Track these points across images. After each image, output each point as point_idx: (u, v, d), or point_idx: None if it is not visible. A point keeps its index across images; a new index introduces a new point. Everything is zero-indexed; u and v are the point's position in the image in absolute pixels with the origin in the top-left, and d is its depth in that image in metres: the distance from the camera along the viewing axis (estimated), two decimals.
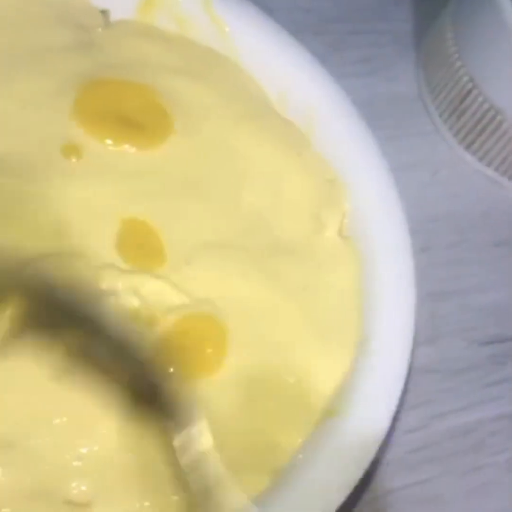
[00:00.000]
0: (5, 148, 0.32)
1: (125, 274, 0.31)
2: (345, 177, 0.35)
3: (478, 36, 0.44)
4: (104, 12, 0.37)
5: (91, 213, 0.32)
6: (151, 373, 0.28)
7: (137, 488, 0.28)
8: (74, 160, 0.33)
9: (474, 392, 0.41)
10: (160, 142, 0.34)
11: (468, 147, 0.47)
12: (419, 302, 0.42)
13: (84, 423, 0.28)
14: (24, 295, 0.28)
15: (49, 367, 0.28)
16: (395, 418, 0.37)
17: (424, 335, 0.42)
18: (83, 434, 0.28)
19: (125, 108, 0.34)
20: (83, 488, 0.28)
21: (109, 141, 0.33)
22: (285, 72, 0.36)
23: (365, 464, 0.29)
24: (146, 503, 0.28)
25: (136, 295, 0.30)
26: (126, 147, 0.33)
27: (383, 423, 0.30)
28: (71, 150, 0.33)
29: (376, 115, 0.48)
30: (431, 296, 0.43)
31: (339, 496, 0.29)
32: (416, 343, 0.41)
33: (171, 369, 0.30)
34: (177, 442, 0.28)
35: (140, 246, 0.32)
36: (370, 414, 0.30)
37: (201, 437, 0.28)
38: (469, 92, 0.45)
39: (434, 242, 0.45)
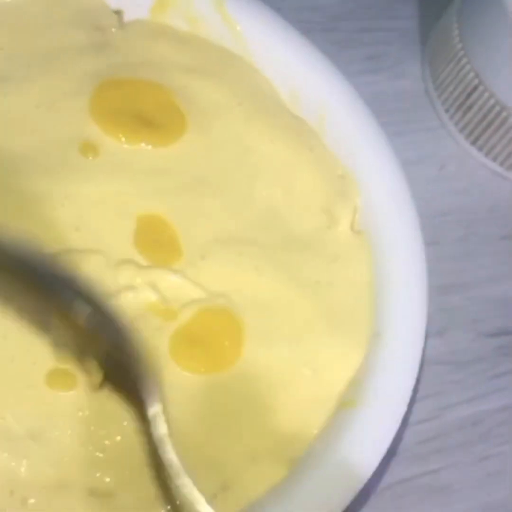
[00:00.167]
0: (23, 147, 0.33)
1: (143, 270, 0.31)
2: (356, 173, 0.35)
3: (484, 32, 0.45)
4: (118, 13, 0.37)
5: (108, 210, 0.32)
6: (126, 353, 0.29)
7: (158, 477, 0.29)
8: (91, 158, 0.33)
9: (482, 383, 0.42)
10: (175, 140, 0.34)
11: (474, 142, 0.47)
12: (429, 292, 0.43)
13: (107, 415, 0.29)
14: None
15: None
16: (410, 406, 0.38)
17: (432, 327, 0.43)
18: (106, 426, 0.29)
19: (140, 107, 0.35)
20: (108, 477, 0.28)
21: (125, 139, 0.34)
22: (296, 70, 0.37)
23: (380, 454, 0.30)
24: (167, 495, 0.29)
25: (153, 290, 0.31)
26: (142, 145, 0.34)
27: (397, 413, 0.31)
28: (88, 148, 0.33)
29: (383, 112, 0.48)
30: (439, 289, 0.44)
31: (355, 486, 0.29)
32: (426, 331, 0.42)
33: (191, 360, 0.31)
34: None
35: (157, 242, 0.32)
36: (385, 404, 0.31)
37: (157, 421, 0.28)
38: (475, 88, 0.46)
39: (442, 236, 0.46)
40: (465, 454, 0.40)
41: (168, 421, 0.28)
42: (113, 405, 0.29)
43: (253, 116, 0.36)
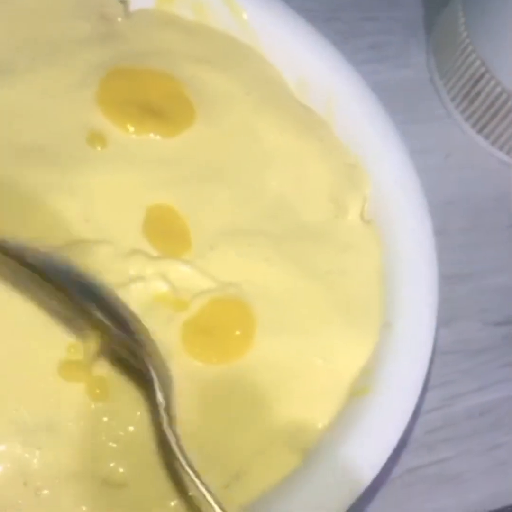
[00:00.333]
0: (31, 139, 0.33)
1: (153, 260, 0.31)
2: (365, 162, 0.35)
3: (490, 20, 0.44)
4: (123, 2, 0.37)
5: (118, 200, 0.32)
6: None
7: (170, 467, 0.29)
8: (99, 148, 0.33)
9: (491, 372, 0.42)
10: (183, 129, 0.34)
11: (480, 130, 0.47)
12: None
13: (119, 405, 0.29)
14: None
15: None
16: (423, 395, 0.37)
17: (440, 317, 0.42)
18: (118, 417, 0.29)
19: (148, 97, 0.34)
20: (122, 468, 0.28)
21: (132, 130, 0.34)
22: (304, 59, 0.37)
23: (392, 443, 0.30)
24: (175, 482, 0.29)
25: (164, 280, 0.31)
26: (150, 135, 0.34)
27: (409, 402, 0.31)
28: (95, 138, 0.33)
29: (388, 101, 0.48)
30: (447, 279, 0.44)
31: (367, 476, 0.29)
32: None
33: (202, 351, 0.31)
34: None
35: (166, 232, 0.32)
36: (396, 393, 0.31)
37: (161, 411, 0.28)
38: (481, 76, 0.45)
39: (448, 225, 0.46)
40: (474, 443, 0.40)
41: (175, 411, 0.28)
42: (126, 396, 0.29)
43: (262, 106, 0.36)
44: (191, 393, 0.30)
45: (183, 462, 0.27)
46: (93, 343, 0.29)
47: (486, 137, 0.47)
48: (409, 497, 0.38)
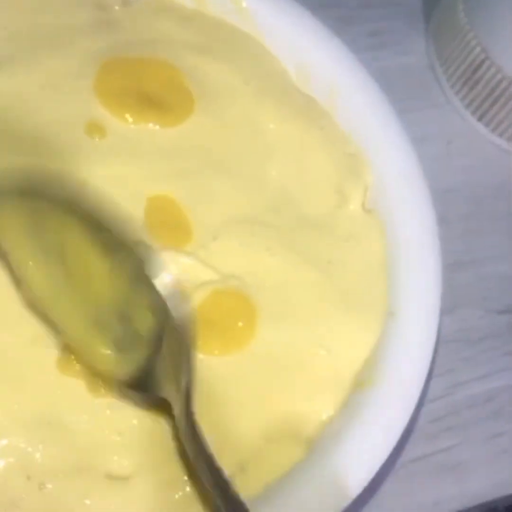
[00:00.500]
0: (30, 129, 0.32)
1: (154, 252, 0.31)
2: (367, 151, 0.35)
3: (490, 6, 0.44)
4: None
5: (117, 191, 0.32)
6: None
7: (176, 460, 0.29)
8: (97, 139, 0.33)
9: (493, 360, 0.42)
10: (182, 119, 0.34)
11: (480, 117, 0.47)
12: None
13: (122, 399, 0.29)
14: None
15: None
16: (427, 385, 0.37)
17: (443, 305, 0.42)
18: (122, 410, 0.28)
19: (146, 86, 0.34)
20: (125, 461, 0.28)
21: (131, 120, 0.33)
22: (304, 47, 0.36)
23: (397, 433, 0.30)
24: (185, 477, 0.29)
25: (165, 272, 0.31)
26: (149, 125, 0.34)
27: (413, 392, 0.31)
28: (94, 129, 0.33)
29: (387, 88, 0.47)
30: (449, 267, 0.43)
31: (373, 467, 0.29)
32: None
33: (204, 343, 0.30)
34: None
35: (167, 224, 0.32)
36: (401, 384, 0.31)
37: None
38: (481, 62, 0.45)
39: (450, 213, 0.45)
40: (477, 432, 0.40)
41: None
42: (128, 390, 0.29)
43: (262, 96, 0.35)
44: (194, 384, 0.29)
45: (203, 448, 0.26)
46: None
47: (487, 124, 0.47)
48: (412, 486, 0.38)
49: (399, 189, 0.34)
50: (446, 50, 0.47)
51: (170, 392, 0.27)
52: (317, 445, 0.30)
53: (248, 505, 0.28)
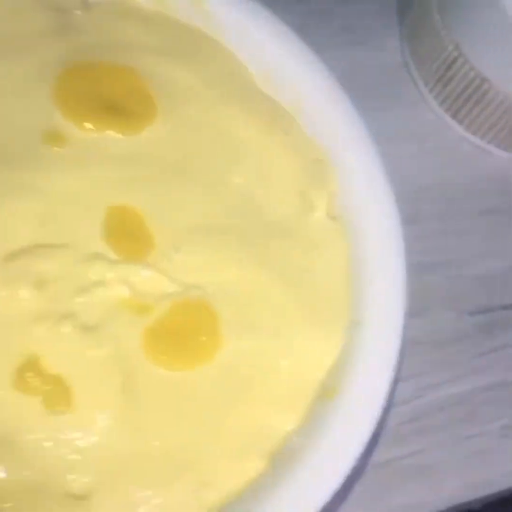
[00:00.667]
0: None
1: (114, 264, 0.31)
2: (332, 156, 0.34)
3: (463, 4, 0.43)
4: None
5: (77, 202, 0.31)
6: None
7: (138, 477, 0.28)
8: (57, 148, 0.32)
9: (465, 362, 0.42)
10: (144, 126, 0.33)
11: (454, 115, 0.47)
12: (408, 274, 0.42)
13: (82, 416, 0.28)
14: None
15: None
16: (392, 392, 0.37)
17: (414, 307, 0.42)
18: (81, 428, 0.28)
19: (107, 92, 0.33)
20: (85, 480, 0.28)
21: (91, 127, 0.33)
22: (268, 50, 0.36)
23: (362, 443, 0.30)
24: (148, 493, 0.28)
25: (126, 285, 0.30)
26: (110, 132, 0.33)
27: (378, 401, 0.30)
28: (53, 137, 0.32)
29: (361, 86, 0.47)
30: (420, 268, 0.43)
31: (338, 478, 0.29)
32: (406, 315, 0.42)
33: (166, 357, 0.30)
34: None
35: (128, 234, 0.32)
36: (365, 393, 0.30)
37: None
38: (455, 60, 0.45)
39: (423, 212, 0.45)
40: (448, 435, 0.40)
41: None
42: (89, 405, 0.29)
43: (226, 100, 0.35)
44: (155, 401, 0.29)
45: None
46: None
47: (461, 122, 0.47)
48: (382, 490, 0.38)
49: (364, 195, 0.34)
50: (420, 47, 0.47)
51: None
52: (280, 457, 0.30)
53: None
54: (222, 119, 0.34)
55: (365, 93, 0.47)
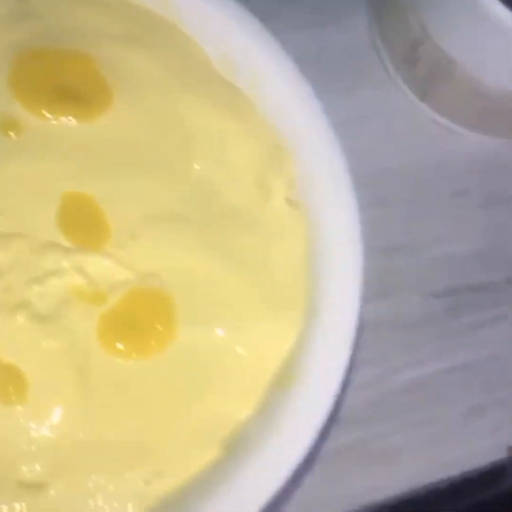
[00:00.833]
0: None
1: (69, 253, 0.30)
2: (290, 141, 0.34)
3: None
4: None
5: (32, 190, 0.31)
6: None
7: (92, 467, 0.29)
8: (13, 135, 0.32)
9: (429, 344, 0.42)
10: (100, 113, 0.33)
11: (422, 96, 0.46)
12: (374, 256, 0.42)
13: (36, 407, 0.28)
14: None
15: None
16: (347, 379, 0.38)
17: (379, 290, 0.42)
18: (35, 419, 0.28)
19: (63, 79, 0.33)
20: (39, 469, 0.28)
21: (47, 114, 0.33)
22: (227, 35, 0.35)
23: (316, 430, 0.30)
24: (101, 481, 0.29)
25: (80, 273, 0.30)
26: (66, 120, 0.33)
27: (332, 388, 0.31)
28: (8, 125, 0.32)
29: (329, 67, 0.47)
30: (386, 251, 0.44)
31: (290, 464, 0.29)
32: (371, 298, 0.42)
33: (121, 346, 0.30)
34: None
35: (84, 223, 0.31)
36: (319, 380, 0.31)
37: None
38: (421, 41, 0.44)
39: (390, 195, 0.45)
40: (412, 417, 0.40)
41: None
42: (45, 395, 0.29)
43: (183, 86, 0.34)
44: (110, 390, 0.29)
45: None
46: None
47: (429, 103, 0.46)
48: (343, 473, 0.39)
49: (322, 182, 0.33)
50: (388, 28, 0.46)
51: None
52: (235, 445, 0.30)
53: (165, 508, 0.28)
54: (179, 105, 0.34)
55: (333, 74, 0.47)
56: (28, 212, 0.31)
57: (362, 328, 0.38)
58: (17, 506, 0.28)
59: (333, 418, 0.38)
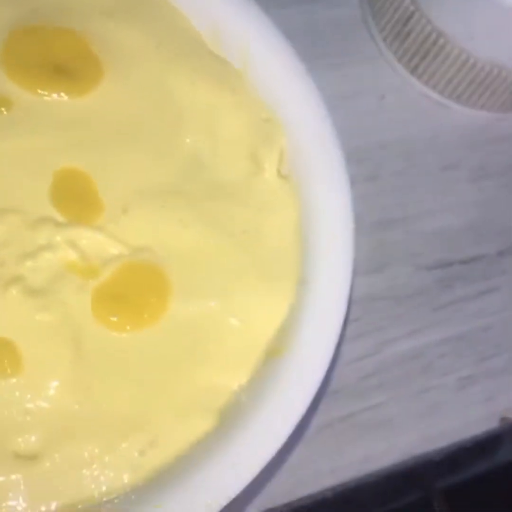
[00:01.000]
0: None
1: (62, 227, 0.31)
2: (280, 115, 0.34)
3: None
4: None
5: (24, 166, 0.31)
6: None
7: (86, 437, 0.29)
8: (4, 112, 0.32)
9: (422, 316, 0.42)
10: (91, 88, 0.33)
11: (413, 71, 0.46)
12: (366, 231, 0.43)
13: (31, 379, 0.29)
14: None
15: None
16: (340, 350, 0.38)
17: (372, 263, 0.43)
18: (30, 391, 0.29)
19: (53, 56, 0.33)
20: (34, 440, 0.28)
21: (39, 91, 0.33)
22: (216, 7, 0.35)
23: (308, 399, 0.30)
24: (96, 451, 0.29)
25: (73, 248, 0.31)
26: (57, 96, 0.33)
27: (324, 357, 0.31)
28: (0, 102, 0.32)
29: (319, 42, 0.47)
30: (379, 224, 0.44)
31: (283, 434, 0.30)
32: (364, 272, 0.42)
33: (115, 319, 0.30)
34: None
35: (76, 198, 0.32)
36: (311, 350, 0.31)
37: None
38: (412, 14, 0.44)
39: (382, 169, 0.45)
40: (406, 388, 0.41)
41: None
42: (40, 366, 0.29)
43: (173, 59, 0.34)
44: (104, 362, 0.30)
45: None
46: None
47: (419, 77, 0.46)
48: (340, 444, 0.39)
49: (313, 155, 0.34)
50: (378, 2, 0.46)
51: None
52: (228, 415, 0.30)
53: (160, 478, 0.29)
54: (170, 79, 0.34)
55: (324, 49, 0.47)
56: (20, 187, 0.31)
57: (355, 301, 0.39)
58: (13, 477, 0.28)
59: (326, 390, 0.39)
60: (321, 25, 0.47)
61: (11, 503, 0.28)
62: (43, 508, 0.28)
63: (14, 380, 0.29)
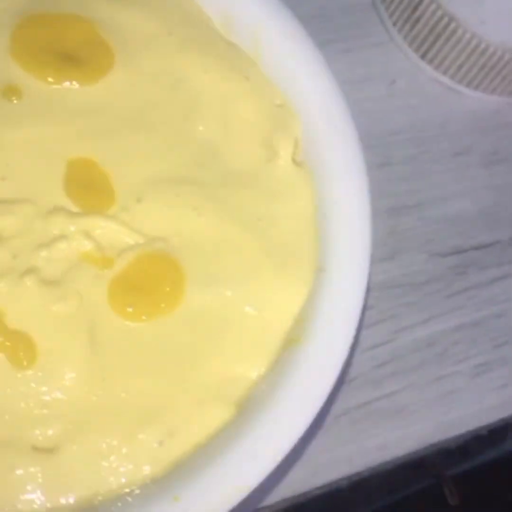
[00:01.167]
0: None
1: (76, 217, 0.30)
2: (295, 101, 0.34)
3: None
4: None
5: (36, 155, 0.31)
6: None
7: (104, 429, 0.29)
8: (15, 101, 0.32)
9: (436, 304, 0.42)
10: (102, 75, 0.33)
11: (423, 56, 0.46)
12: (379, 218, 0.42)
13: (47, 371, 0.28)
14: None
15: None
16: (357, 338, 0.38)
17: (385, 250, 0.43)
18: (46, 383, 0.28)
19: (64, 43, 0.33)
20: (52, 433, 0.28)
21: (49, 79, 0.32)
22: None
23: (327, 388, 0.30)
24: (114, 442, 0.29)
25: (87, 238, 0.30)
26: (68, 84, 0.32)
27: (343, 346, 0.30)
28: (10, 90, 0.32)
29: (329, 28, 0.47)
30: (391, 211, 0.44)
31: (303, 424, 0.29)
32: (378, 259, 0.42)
33: (131, 309, 0.30)
34: None
35: (89, 187, 0.31)
36: (330, 338, 0.30)
37: None
38: None
39: (394, 156, 0.45)
40: (421, 376, 0.41)
41: None
42: (55, 358, 0.29)
43: (185, 46, 0.34)
44: (122, 353, 0.29)
45: None
46: None
47: (430, 62, 0.46)
48: (356, 432, 0.39)
49: (328, 140, 0.33)
50: None
51: None
52: (246, 405, 0.30)
53: (179, 468, 0.29)
54: (181, 66, 0.34)
55: (334, 35, 0.46)
56: (33, 177, 0.31)
57: (370, 289, 0.39)
58: (31, 470, 0.28)
59: (343, 378, 0.39)
60: (331, 10, 0.47)
61: (29, 496, 0.28)
62: (61, 501, 0.28)
63: (30, 372, 0.28)
